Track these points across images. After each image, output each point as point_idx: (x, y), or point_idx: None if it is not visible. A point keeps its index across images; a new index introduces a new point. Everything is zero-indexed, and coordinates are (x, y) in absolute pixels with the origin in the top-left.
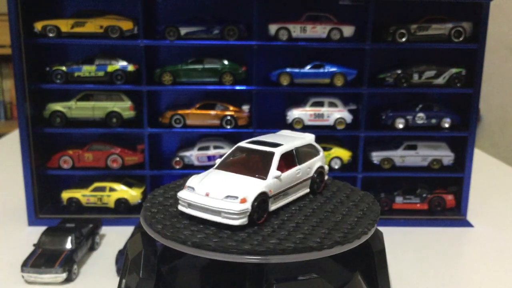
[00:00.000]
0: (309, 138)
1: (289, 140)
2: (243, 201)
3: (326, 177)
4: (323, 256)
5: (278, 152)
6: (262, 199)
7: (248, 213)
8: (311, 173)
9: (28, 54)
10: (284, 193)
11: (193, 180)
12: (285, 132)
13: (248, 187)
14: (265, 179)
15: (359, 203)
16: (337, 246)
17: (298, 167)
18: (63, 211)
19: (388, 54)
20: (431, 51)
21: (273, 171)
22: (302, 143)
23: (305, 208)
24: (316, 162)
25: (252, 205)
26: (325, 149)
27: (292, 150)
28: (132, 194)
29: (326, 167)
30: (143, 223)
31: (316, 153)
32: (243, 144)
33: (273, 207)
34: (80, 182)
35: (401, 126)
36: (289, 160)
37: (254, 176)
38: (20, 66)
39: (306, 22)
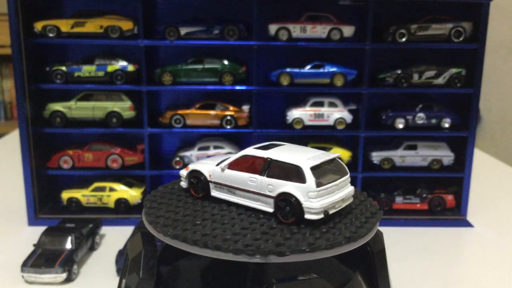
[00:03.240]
0: (309, 163)
1: (299, 154)
2: (186, 169)
3: (307, 215)
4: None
5: (243, 152)
6: (195, 176)
7: (185, 180)
8: (274, 192)
9: (28, 54)
10: (228, 188)
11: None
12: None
13: (197, 164)
14: (215, 165)
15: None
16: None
17: (256, 176)
18: (63, 211)
19: (388, 54)
20: (431, 51)
21: (226, 162)
22: (293, 162)
23: None
24: (289, 187)
25: (188, 176)
26: (325, 149)
27: (267, 158)
28: (132, 194)
29: (311, 205)
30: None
31: (303, 181)
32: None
33: (214, 193)
34: (80, 182)
35: (401, 126)
36: (255, 166)
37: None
38: (20, 66)
39: (306, 22)
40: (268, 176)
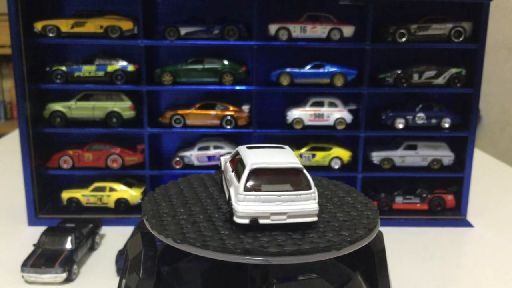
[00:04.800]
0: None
1: (269, 156)
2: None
3: (235, 217)
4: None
5: (237, 149)
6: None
7: None
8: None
9: (28, 54)
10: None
11: None
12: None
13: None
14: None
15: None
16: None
17: (230, 173)
18: (63, 211)
19: (388, 54)
20: (431, 51)
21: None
22: (247, 160)
23: None
24: (233, 186)
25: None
26: (325, 149)
27: (237, 155)
28: (132, 194)
29: (236, 207)
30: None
31: (239, 181)
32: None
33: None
34: (80, 182)
35: (401, 126)
36: (234, 163)
37: None
38: (20, 66)
39: (306, 22)
40: (234, 173)
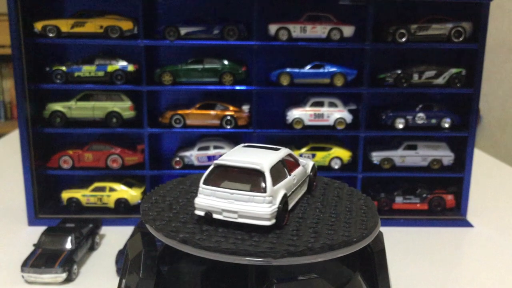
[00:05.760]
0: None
1: (243, 154)
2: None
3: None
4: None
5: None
6: None
7: None
8: None
9: (28, 54)
10: None
11: None
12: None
13: None
14: None
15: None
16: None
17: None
18: (63, 211)
19: (388, 54)
20: (431, 51)
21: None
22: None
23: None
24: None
25: None
26: (325, 149)
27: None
28: (132, 194)
29: (196, 199)
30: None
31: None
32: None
33: None
34: (80, 182)
35: (401, 126)
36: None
37: None
38: (20, 66)
39: (306, 22)
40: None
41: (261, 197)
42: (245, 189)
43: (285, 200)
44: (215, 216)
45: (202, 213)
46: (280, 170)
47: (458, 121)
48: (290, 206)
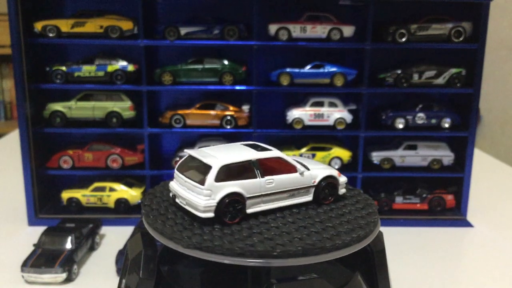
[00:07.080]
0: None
1: (224, 151)
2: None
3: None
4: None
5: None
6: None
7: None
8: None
9: (28, 54)
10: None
11: None
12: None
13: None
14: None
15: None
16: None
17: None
18: (63, 211)
19: (388, 54)
20: (431, 51)
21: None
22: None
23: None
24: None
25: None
26: (325, 149)
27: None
28: (132, 194)
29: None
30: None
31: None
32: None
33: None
34: (80, 182)
35: (401, 126)
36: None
37: None
38: (20, 66)
39: (306, 22)
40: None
41: (199, 189)
42: (195, 179)
43: (235, 199)
44: (177, 200)
45: (171, 194)
46: (245, 170)
47: (458, 121)
48: (257, 209)
